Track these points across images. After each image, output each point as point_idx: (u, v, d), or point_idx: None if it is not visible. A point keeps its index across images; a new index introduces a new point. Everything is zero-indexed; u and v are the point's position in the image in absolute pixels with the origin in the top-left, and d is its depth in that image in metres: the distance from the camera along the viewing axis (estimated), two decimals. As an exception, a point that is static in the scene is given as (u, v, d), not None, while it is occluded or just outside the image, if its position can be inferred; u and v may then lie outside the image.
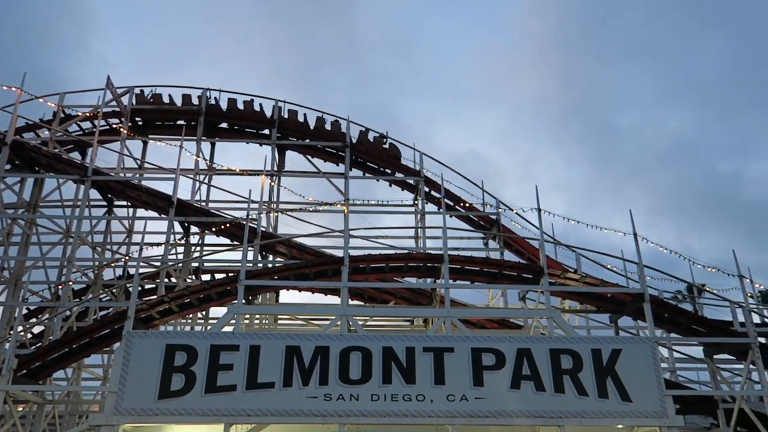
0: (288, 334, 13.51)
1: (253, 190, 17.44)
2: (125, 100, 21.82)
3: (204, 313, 19.37)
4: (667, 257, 18.56)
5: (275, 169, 21.37)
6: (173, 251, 19.83)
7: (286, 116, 21.92)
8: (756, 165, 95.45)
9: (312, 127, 21.94)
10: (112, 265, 20.36)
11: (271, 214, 20.93)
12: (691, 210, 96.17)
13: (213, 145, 22.48)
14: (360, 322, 15.53)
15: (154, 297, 16.27)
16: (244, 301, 14.35)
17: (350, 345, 13.00)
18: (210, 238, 20.23)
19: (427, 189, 21.57)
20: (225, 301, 15.39)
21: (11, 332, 14.55)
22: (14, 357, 13.12)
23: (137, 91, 22.21)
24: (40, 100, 20.70)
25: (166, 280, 18.57)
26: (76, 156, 21.54)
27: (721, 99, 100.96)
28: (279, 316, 20.50)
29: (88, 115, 21.34)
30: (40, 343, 16.98)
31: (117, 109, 21.76)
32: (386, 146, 21.88)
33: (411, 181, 21.77)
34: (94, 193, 19.51)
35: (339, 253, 17.23)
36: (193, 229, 19.74)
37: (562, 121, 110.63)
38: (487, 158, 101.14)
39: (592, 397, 12.74)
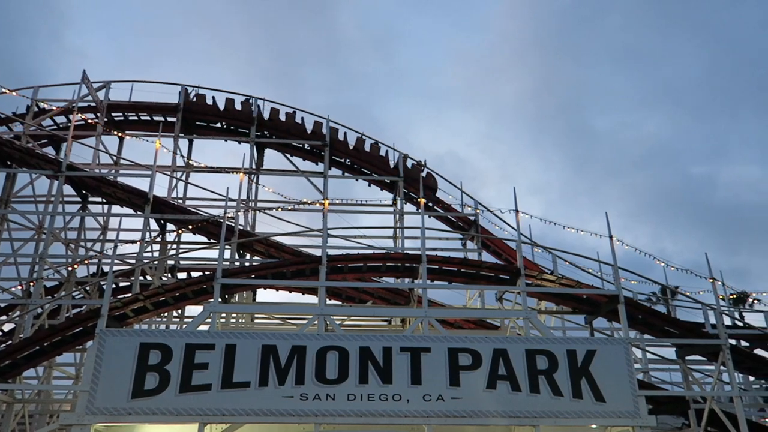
0: (264, 333, 13.42)
1: (231, 188, 17.37)
2: (101, 95, 21.50)
3: (179, 311, 19.18)
4: (642, 259, 18.85)
5: (254, 167, 21.22)
6: (149, 249, 19.60)
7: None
8: (729, 169, 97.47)
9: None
10: (86, 262, 20.03)
11: (249, 213, 20.78)
12: (666, 213, 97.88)
13: (191, 142, 22.24)
14: (337, 322, 15.50)
15: (129, 295, 16.05)
16: (220, 300, 14.23)
17: (327, 344, 12.96)
18: (186, 236, 20.03)
19: (405, 189, 21.60)
20: (201, 300, 15.23)
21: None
22: (-17, 355, 12.85)
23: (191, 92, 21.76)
24: (14, 93, 20.30)
25: (141, 277, 18.32)
26: (50, 151, 21.18)
27: (696, 104, 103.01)
28: (256, 315, 20.36)
29: (62, 109, 20.97)
30: (10, 341, 16.64)
31: (93, 104, 21.44)
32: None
33: (390, 181, 21.76)
34: (68, 189, 19.18)
35: (317, 252, 17.14)
36: (170, 226, 19.53)
37: (540, 124, 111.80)
38: (466, 159, 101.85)
39: (567, 397, 12.87)
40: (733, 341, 17.39)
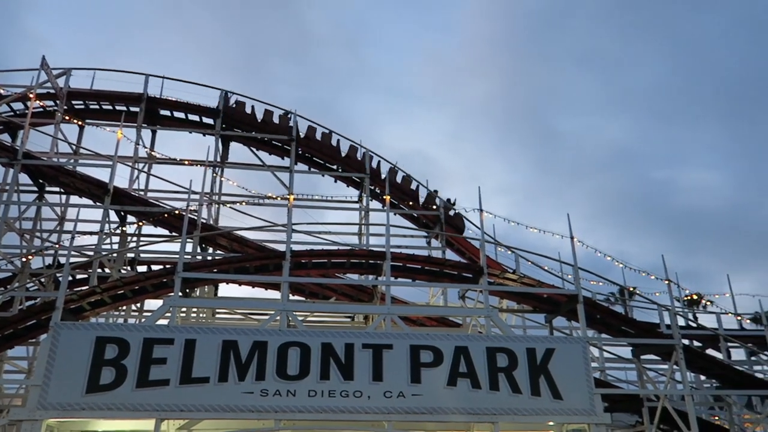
0: (225, 329, 13.30)
1: (194, 181, 17.07)
2: (61, 81, 20.91)
3: (138, 305, 18.81)
4: (602, 261, 19.25)
5: (218, 160, 20.94)
6: (108, 241, 19.15)
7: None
8: (688, 174, 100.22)
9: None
10: (42, 253, 19.49)
11: (213, 206, 20.49)
12: (626, 216, 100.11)
13: (154, 132, 21.82)
14: (300, 318, 15.43)
15: (86, 287, 15.68)
16: (180, 294, 14.01)
17: (289, 340, 12.88)
18: (147, 229, 19.63)
19: (372, 186, 21.61)
20: (161, 294, 14.98)
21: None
22: (-71, 347, 12.40)
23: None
24: (-32, 77, 19.60)
25: (99, 270, 17.94)
26: (5, 138, 20.48)
27: (658, 109, 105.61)
28: (217, 310, 20.11)
29: (20, 95, 20.32)
30: (-41, 334, 16.07)
31: (52, 91, 20.83)
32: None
33: (356, 178, 21.73)
34: (24, 178, 18.61)
35: (281, 247, 17.02)
36: (130, 218, 19.13)
37: (507, 124, 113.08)
38: (432, 158, 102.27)
39: (526, 394, 13.06)
40: (686, 341, 17.91)
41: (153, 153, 20.96)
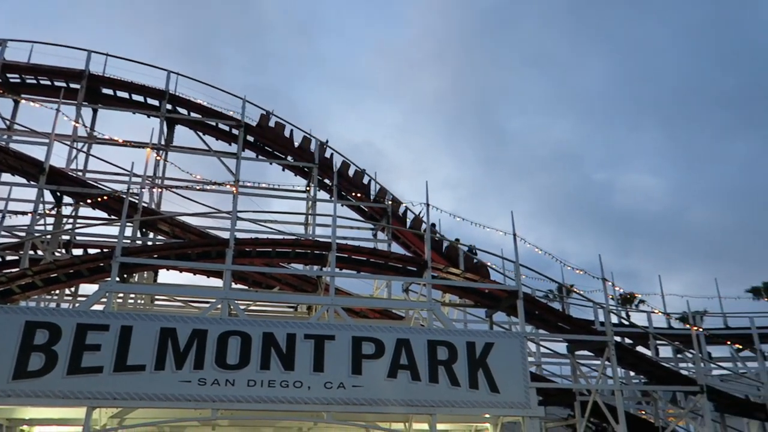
0: (164, 316, 12.97)
1: (136, 163, 16.54)
2: (-5, 53, 19.87)
3: (72, 289, 18.16)
4: (542, 258, 19.74)
5: (163, 143, 20.36)
6: (41, 222, 18.36)
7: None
8: (625, 177, 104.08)
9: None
10: (-31, 232, 18.52)
11: (155, 190, 19.93)
12: (567, 215, 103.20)
13: (95, 111, 21.02)
14: (242, 307, 15.23)
15: (16, 270, 15.01)
16: (118, 279, 13.59)
17: (229, 329, 12.70)
18: (85, 211, 18.92)
19: (320, 177, 21.48)
20: (97, 279, 14.52)
21: None
22: None
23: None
24: None
25: (31, 252, 17.19)
26: (-69, 110, 19.36)
27: (601, 112, 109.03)
28: (156, 297, 19.62)
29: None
30: None
31: (-15, 63, 19.79)
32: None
33: (304, 167, 21.55)
34: (-49, 153, 17.61)
35: (225, 234, 16.76)
36: (67, 199, 18.39)
37: (456, 120, 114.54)
38: (382, 150, 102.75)
39: (464, 387, 13.30)
40: (618, 338, 18.62)
41: (93, 132, 20.21)
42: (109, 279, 13.40)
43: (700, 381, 16.75)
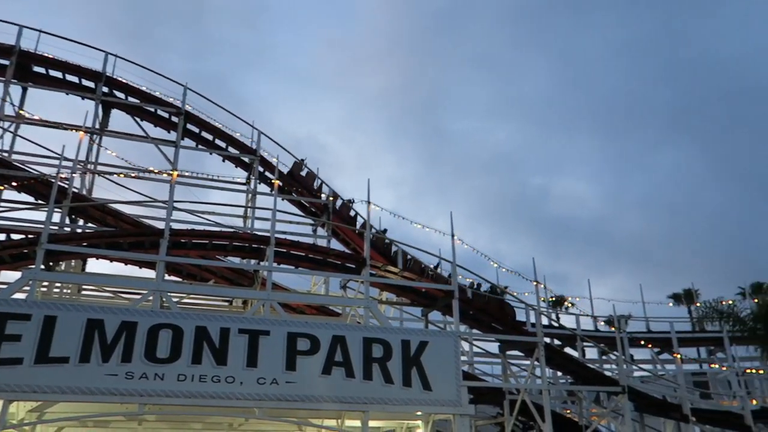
0: (91, 306, 12.53)
1: (68, 147, 15.85)
2: None
3: (-7, 276, 17.26)
4: (479, 259, 20.16)
5: (97, 126, 19.58)
6: (-39, 204, 17.36)
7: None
8: (561, 183, 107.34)
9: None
10: None
11: (87, 175, 19.15)
12: (504, 217, 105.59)
13: (25, 90, 19.97)
14: (175, 299, 14.85)
15: (-70, 253, 14.14)
16: (43, 267, 13.02)
17: (160, 322, 12.39)
18: (10, 194, 17.98)
19: (261, 169, 21.18)
20: (20, 266, 13.87)
21: None
22: None
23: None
24: None
25: (-52, 235, 16.21)
26: None
27: (541, 118, 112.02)
28: (84, 287, 18.85)
29: None
30: None
31: None
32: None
33: (245, 159, 21.21)
34: None
35: (160, 224, 16.26)
36: (-10, 181, 17.43)
37: (400, 119, 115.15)
38: (324, 145, 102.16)
39: (398, 385, 13.44)
40: (548, 339, 19.22)
41: (22, 112, 19.23)
42: (33, 266, 12.81)
43: (622, 382, 17.51)
